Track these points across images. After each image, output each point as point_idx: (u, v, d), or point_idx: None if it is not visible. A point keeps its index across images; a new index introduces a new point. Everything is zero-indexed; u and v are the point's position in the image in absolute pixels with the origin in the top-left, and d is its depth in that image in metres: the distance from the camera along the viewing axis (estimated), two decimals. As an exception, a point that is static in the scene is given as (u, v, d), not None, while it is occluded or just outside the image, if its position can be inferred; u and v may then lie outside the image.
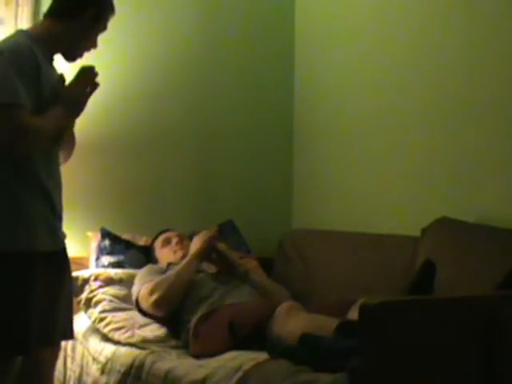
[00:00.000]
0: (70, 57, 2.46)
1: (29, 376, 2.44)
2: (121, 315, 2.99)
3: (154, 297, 2.94)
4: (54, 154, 2.43)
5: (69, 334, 2.51)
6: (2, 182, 2.28)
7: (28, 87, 2.25)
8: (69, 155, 2.56)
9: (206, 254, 3.13)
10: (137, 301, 3.02)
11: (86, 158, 3.35)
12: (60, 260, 2.43)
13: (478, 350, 2.03)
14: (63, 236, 2.47)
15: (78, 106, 2.41)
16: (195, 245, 3.13)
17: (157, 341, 2.85)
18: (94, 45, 2.48)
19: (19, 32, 2.44)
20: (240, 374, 2.25)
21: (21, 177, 2.29)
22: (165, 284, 2.96)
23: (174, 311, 2.97)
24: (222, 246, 3.20)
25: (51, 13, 2.43)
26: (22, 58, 2.26)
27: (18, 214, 2.28)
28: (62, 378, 3.03)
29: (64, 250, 2.47)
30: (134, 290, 3.07)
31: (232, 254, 3.22)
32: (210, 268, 3.17)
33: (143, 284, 3.02)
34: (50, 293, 2.35)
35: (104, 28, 2.48)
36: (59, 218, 2.43)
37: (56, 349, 2.52)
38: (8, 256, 2.26)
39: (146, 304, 2.98)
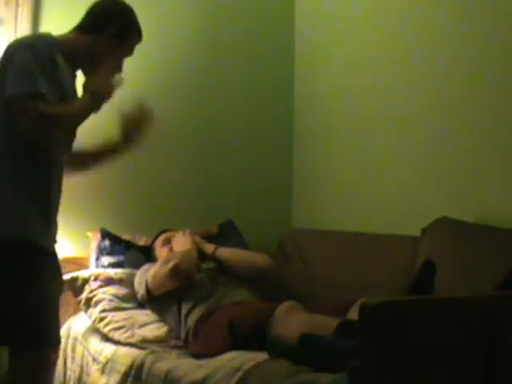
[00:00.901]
0: (90, 75, 2.40)
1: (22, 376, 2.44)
2: (121, 315, 2.99)
3: (172, 263, 2.94)
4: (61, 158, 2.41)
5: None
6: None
7: (51, 79, 2.23)
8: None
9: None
10: (146, 286, 3.01)
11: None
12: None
13: (478, 350, 2.03)
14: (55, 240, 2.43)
15: (103, 96, 2.34)
16: (181, 246, 3.15)
17: (157, 341, 2.85)
18: (118, 68, 2.45)
19: (48, 34, 2.42)
20: (240, 374, 2.25)
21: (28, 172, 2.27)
22: (178, 254, 3.00)
23: (180, 299, 2.96)
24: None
25: (78, 27, 2.43)
26: (43, 51, 2.23)
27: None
28: (61, 378, 3.03)
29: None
30: (138, 281, 3.07)
31: (198, 240, 3.26)
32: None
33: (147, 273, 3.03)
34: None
35: (130, 52, 2.46)
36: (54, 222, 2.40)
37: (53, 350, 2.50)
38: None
39: (159, 276, 2.95)
